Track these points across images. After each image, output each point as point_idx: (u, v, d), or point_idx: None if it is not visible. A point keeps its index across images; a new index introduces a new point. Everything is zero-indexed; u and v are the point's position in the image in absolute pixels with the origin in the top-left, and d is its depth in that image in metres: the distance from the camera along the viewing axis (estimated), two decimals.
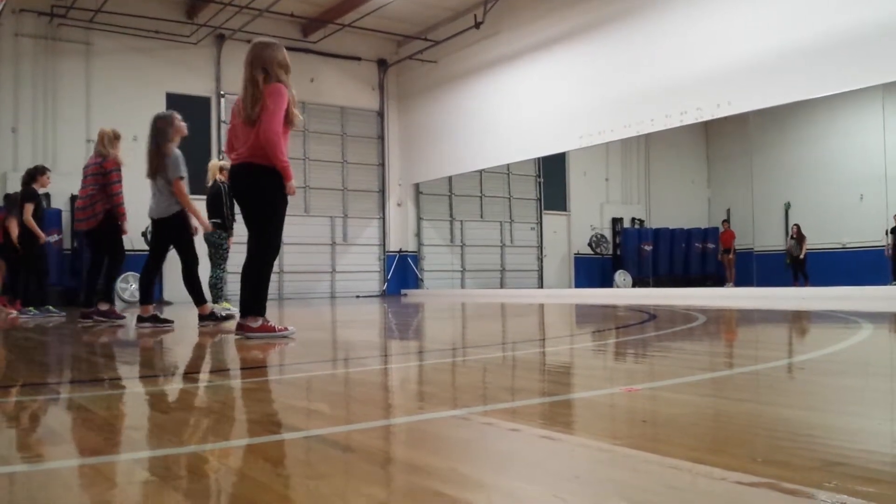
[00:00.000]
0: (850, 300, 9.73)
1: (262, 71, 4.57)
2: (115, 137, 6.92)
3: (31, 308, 8.63)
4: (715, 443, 1.63)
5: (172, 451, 1.62)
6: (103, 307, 6.87)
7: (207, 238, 8.67)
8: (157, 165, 6.10)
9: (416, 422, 1.94)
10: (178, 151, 6.20)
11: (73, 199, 11.64)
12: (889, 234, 15.76)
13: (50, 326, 6.76)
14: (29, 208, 8.61)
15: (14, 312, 8.70)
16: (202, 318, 6.19)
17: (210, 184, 8.59)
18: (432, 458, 1.53)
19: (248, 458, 1.56)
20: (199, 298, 6.26)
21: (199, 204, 12.26)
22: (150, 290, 6.36)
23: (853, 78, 9.68)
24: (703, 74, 11.02)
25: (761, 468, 1.34)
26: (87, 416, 2.13)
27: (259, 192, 4.60)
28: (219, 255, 8.56)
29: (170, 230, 6.19)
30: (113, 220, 6.74)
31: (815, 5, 9.83)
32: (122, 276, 12.84)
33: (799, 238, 17.18)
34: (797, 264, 17.11)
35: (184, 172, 6.14)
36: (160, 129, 6.19)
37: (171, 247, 6.35)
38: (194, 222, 6.36)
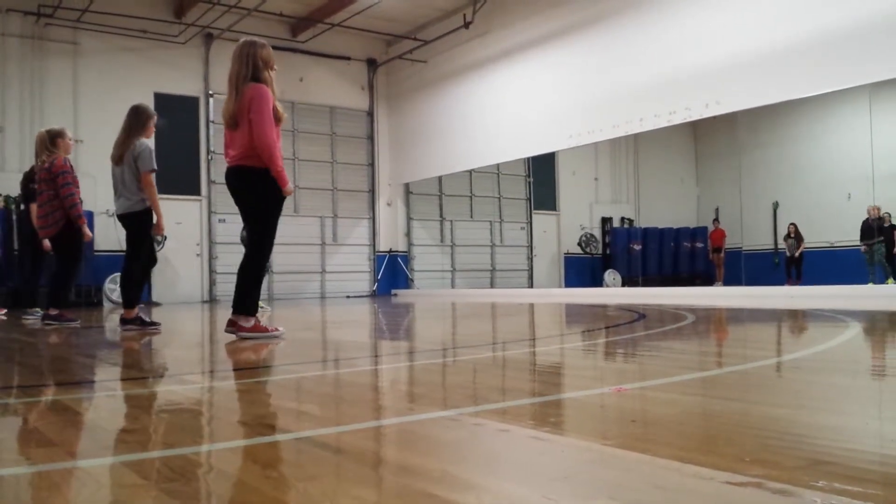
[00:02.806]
0: (837, 299, 9.80)
1: (246, 67, 4.59)
2: (57, 136, 6.60)
3: (37, 309, 8.56)
4: (703, 442, 1.64)
5: (162, 453, 1.62)
6: (53, 312, 6.60)
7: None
8: (125, 154, 5.82)
9: (406, 423, 1.94)
10: (148, 144, 5.92)
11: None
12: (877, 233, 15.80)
13: (32, 329, 6.72)
14: (34, 209, 8.54)
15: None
16: (125, 321, 5.83)
17: None
18: (423, 459, 1.54)
19: (237, 460, 1.56)
20: (131, 300, 5.91)
21: (188, 205, 12.21)
22: (138, 292, 6.17)
23: (841, 77, 9.75)
24: (692, 74, 11.07)
25: (749, 468, 1.35)
26: (74, 418, 2.12)
27: (252, 195, 4.61)
28: None
29: (135, 225, 5.90)
30: (73, 227, 6.48)
31: (803, 4, 9.88)
32: (111, 276, 12.80)
33: (797, 237, 17.27)
34: (793, 263, 17.20)
35: (155, 165, 5.86)
36: (142, 121, 5.91)
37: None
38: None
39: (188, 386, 2.80)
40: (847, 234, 17.38)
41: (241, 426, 1.96)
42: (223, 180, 4.90)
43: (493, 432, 1.80)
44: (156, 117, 6.09)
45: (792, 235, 17.41)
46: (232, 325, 4.63)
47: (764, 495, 1.21)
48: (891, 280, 14.75)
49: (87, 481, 1.42)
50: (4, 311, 8.88)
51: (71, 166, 6.59)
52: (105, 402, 2.53)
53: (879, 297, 10.44)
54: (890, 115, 16.88)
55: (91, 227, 11.78)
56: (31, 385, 2.93)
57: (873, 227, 15.22)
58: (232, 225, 13.92)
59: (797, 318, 6.55)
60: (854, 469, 1.35)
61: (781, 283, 16.57)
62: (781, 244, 18.20)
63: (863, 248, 15.38)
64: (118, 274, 12.48)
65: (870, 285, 13.80)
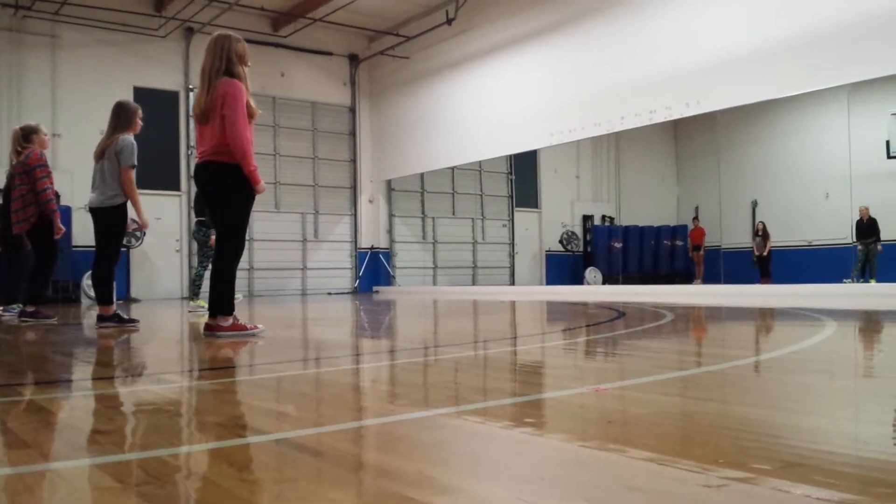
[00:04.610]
0: (815, 297, 9.90)
1: (220, 61, 4.54)
2: (32, 132, 6.55)
3: (15, 305, 8.44)
4: (679, 443, 1.65)
5: (137, 455, 1.60)
6: (29, 308, 6.56)
7: (194, 236, 8.69)
8: (107, 149, 5.77)
9: (385, 423, 1.94)
10: (131, 140, 5.85)
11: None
12: (856, 229, 15.97)
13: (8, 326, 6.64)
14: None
15: None
16: (103, 318, 5.80)
17: None
18: (401, 460, 1.54)
19: (212, 462, 1.55)
20: (104, 297, 5.87)
21: (167, 200, 12.06)
22: (109, 289, 6.08)
23: (819, 78, 9.85)
24: (673, 73, 11.13)
25: (724, 469, 1.36)
26: (49, 418, 2.10)
27: (223, 191, 4.55)
28: (202, 253, 8.56)
29: (107, 221, 5.82)
30: (47, 221, 6.42)
31: (783, 6, 9.97)
32: (88, 272, 12.67)
33: (764, 235, 17.43)
34: (761, 261, 17.37)
35: (135, 161, 5.79)
36: (128, 117, 5.85)
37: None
38: (133, 215, 5.98)
39: (165, 385, 2.78)
40: (825, 233, 17.60)
41: (218, 427, 1.95)
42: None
43: (472, 433, 1.81)
44: (141, 111, 6.02)
45: (759, 234, 17.57)
46: (210, 329, 4.57)
47: (737, 498, 1.22)
48: (873, 280, 14.93)
49: (60, 484, 1.41)
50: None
51: (46, 160, 6.53)
52: (80, 402, 2.50)
53: (856, 297, 10.57)
54: (867, 115, 17.08)
55: (69, 223, 11.68)
56: (5, 384, 2.90)
57: (867, 227, 15.41)
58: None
59: (774, 318, 6.62)
60: (828, 472, 1.36)
61: (758, 282, 16.72)
62: None
63: (859, 246, 15.56)
64: None
65: (847, 283, 13.98)
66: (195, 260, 14.75)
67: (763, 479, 1.30)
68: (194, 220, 8.77)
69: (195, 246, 8.73)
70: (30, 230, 6.49)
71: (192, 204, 8.64)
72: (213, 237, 8.40)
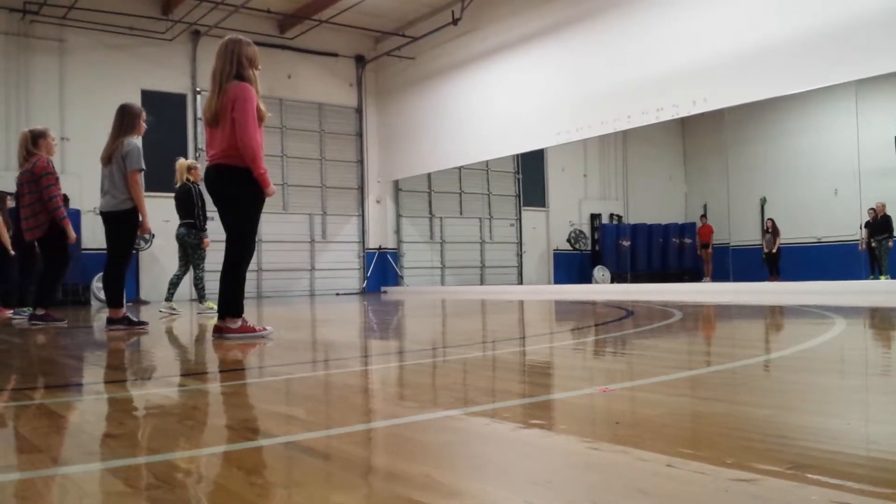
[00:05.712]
0: (824, 294, 9.86)
1: (230, 65, 4.55)
2: (40, 136, 6.57)
3: (25, 309, 8.51)
4: (687, 444, 1.65)
5: (146, 459, 1.61)
6: (39, 312, 6.60)
7: (185, 240, 8.59)
8: (114, 153, 5.81)
9: (393, 426, 1.94)
10: (136, 143, 5.89)
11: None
12: (863, 229, 15.95)
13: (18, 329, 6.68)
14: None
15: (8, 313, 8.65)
16: (113, 321, 5.84)
17: (178, 184, 8.48)
18: (409, 464, 1.54)
19: (221, 466, 1.56)
20: (115, 300, 5.91)
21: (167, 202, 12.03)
22: (120, 292, 6.06)
23: (827, 74, 9.80)
24: (680, 71, 11.10)
25: (732, 471, 1.36)
26: (59, 422, 2.11)
27: (233, 194, 4.57)
28: (197, 256, 8.52)
29: (119, 225, 5.86)
30: (58, 227, 6.46)
31: (789, 3, 9.92)
32: (98, 275, 12.73)
33: (773, 232, 17.35)
34: (770, 258, 17.30)
35: (142, 165, 5.83)
36: (131, 119, 5.89)
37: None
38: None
39: (175, 388, 2.80)
40: (834, 230, 17.51)
41: (227, 430, 1.96)
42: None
43: (480, 435, 1.81)
44: (144, 113, 6.05)
45: (769, 230, 17.49)
46: (219, 331, 4.59)
47: (746, 499, 1.21)
48: (885, 276, 14.84)
49: (70, 489, 1.42)
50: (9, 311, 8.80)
51: (53, 167, 6.56)
52: (91, 405, 2.52)
53: (866, 294, 10.51)
54: (875, 111, 16.99)
55: (78, 226, 11.74)
56: (15, 388, 2.91)
57: (881, 223, 15.32)
58: (219, 223, 13.86)
59: (784, 315, 6.59)
60: (837, 473, 1.36)
61: (767, 279, 16.65)
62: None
63: (872, 243, 15.47)
64: None
65: (871, 280, 13.96)
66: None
67: (772, 480, 1.30)
68: (181, 222, 8.65)
69: (191, 249, 8.65)
70: (42, 237, 6.53)
71: (176, 206, 8.55)
72: (207, 239, 8.45)
